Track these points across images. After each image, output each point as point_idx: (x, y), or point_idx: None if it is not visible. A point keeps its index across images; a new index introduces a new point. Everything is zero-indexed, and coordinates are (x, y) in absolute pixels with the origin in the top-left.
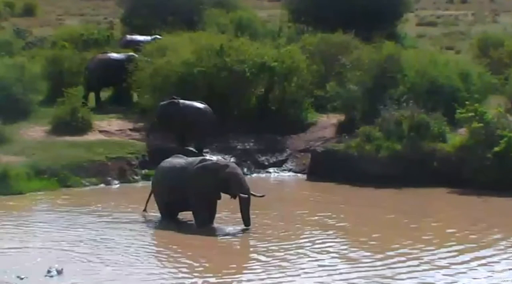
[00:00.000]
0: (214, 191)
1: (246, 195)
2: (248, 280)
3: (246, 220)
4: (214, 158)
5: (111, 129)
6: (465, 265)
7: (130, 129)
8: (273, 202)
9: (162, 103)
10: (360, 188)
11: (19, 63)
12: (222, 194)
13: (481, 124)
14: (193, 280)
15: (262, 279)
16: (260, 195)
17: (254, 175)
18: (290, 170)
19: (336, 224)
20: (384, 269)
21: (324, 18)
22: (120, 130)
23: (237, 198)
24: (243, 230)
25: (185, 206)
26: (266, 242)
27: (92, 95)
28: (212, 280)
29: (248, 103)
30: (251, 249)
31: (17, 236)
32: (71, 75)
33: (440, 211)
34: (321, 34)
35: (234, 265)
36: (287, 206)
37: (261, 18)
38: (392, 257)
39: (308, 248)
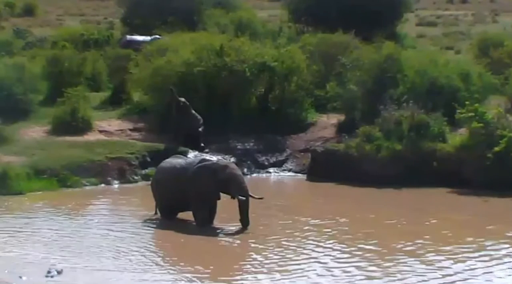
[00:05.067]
0: (214, 191)
1: (245, 198)
2: (248, 281)
3: (245, 222)
4: (214, 158)
5: (111, 129)
6: (465, 266)
7: (130, 129)
8: (273, 202)
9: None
10: (360, 188)
11: (19, 63)
12: (222, 194)
13: (481, 124)
14: (192, 282)
15: (262, 280)
16: (259, 197)
17: (254, 175)
18: (290, 170)
19: (336, 224)
20: (384, 270)
21: (324, 18)
22: (120, 130)
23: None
24: (243, 230)
25: (185, 206)
26: (265, 242)
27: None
28: (212, 281)
29: (248, 103)
30: (251, 249)
31: (17, 236)
32: (71, 75)
33: (440, 211)
34: (321, 34)
35: (235, 266)
36: (287, 206)
37: (261, 18)
38: (392, 257)
39: (308, 248)
